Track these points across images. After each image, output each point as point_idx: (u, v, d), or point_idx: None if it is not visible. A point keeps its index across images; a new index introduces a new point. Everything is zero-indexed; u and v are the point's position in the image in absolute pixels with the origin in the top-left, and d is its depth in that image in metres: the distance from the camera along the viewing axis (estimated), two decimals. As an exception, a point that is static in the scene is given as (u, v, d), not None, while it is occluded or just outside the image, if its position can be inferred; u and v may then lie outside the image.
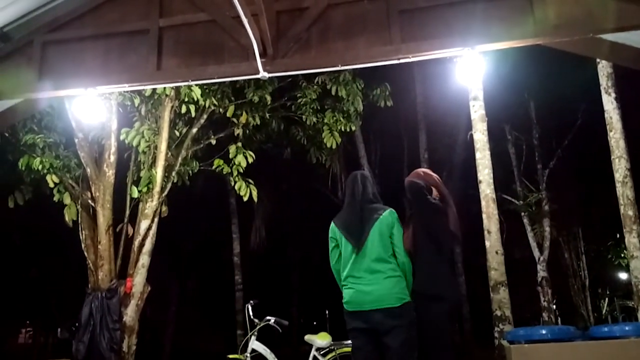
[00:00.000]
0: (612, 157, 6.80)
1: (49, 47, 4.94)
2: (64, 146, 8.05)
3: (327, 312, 20.12)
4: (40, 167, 7.38)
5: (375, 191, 3.53)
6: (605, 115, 6.89)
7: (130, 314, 7.23)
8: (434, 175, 3.73)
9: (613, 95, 6.93)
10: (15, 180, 8.39)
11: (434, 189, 3.63)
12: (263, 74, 4.48)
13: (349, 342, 5.35)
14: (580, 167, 13.56)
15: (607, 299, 18.72)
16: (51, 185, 7.60)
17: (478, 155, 7.81)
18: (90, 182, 7.60)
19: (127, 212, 7.73)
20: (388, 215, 3.33)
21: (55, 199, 7.73)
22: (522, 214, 13.07)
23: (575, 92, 11.68)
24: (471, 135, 8.00)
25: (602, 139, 7.18)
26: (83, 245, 7.51)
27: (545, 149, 13.40)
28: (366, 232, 3.28)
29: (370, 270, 3.23)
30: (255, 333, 5.44)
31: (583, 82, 9.50)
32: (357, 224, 3.33)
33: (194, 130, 8.42)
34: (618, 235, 14.36)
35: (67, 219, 7.68)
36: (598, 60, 6.94)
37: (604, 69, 7.06)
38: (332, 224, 3.54)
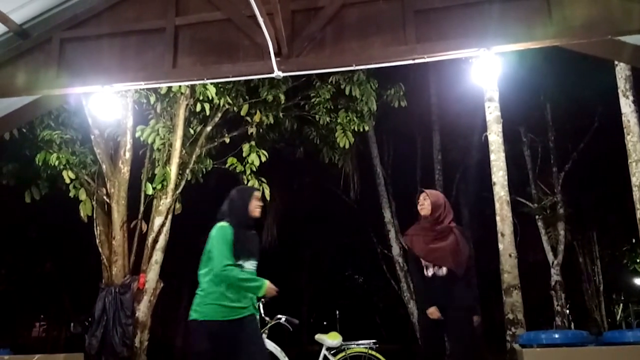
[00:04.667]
0: (629, 161, 6.70)
1: (67, 44, 5.00)
2: (80, 142, 8.16)
3: (337, 311, 20.14)
4: (56, 163, 7.49)
5: (231, 207, 3.55)
6: (623, 118, 6.79)
7: (142, 310, 7.30)
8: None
9: (631, 98, 6.82)
10: (32, 176, 8.52)
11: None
12: (277, 73, 4.48)
13: (360, 342, 5.39)
14: (596, 171, 13.37)
15: (621, 304, 18.49)
16: (67, 181, 7.71)
17: (492, 157, 7.75)
18: (106, 179, 7.69)
19: (142, 208, 7.81)
20: (212, 230, 3.43)
21: (71, 194, 7.84)
22: (537, 217, 12.93)
23: (592, 95, 11.52)
24: (486, 137, 7.95)
25: (619, 143, 7.07)
26: (97, 241, 7.61)
27: (560, 151, 13.23)
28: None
29: None
30: (266, 331, 5.45)
31: (600, 85, 9.37)
32: None
33: (208, 128, 8.48)
34: (634, 241, 14.19)
35: (82, 214, 7.78)
36: (616, 62, 6.84)
37: (622, 71, 6.95)
38: None
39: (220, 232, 3.37)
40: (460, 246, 3.99)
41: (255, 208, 3.60)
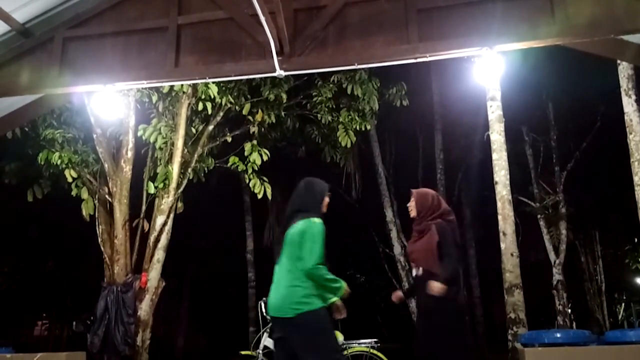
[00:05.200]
0: (632, 160, 6.69)
1: (70, 43, 5.01)
2: (83, 141, 8.16)
3: (339, 311, 20.12)
4: (59, 162, 7.49)
5: (313, 200, 3.49)
6: (625, 117, 6.77)
7: (144, 309, 7.31)
8: (443, 201, 4.12)
9: (633, 97, 6.80)
10: (34, 175, 8.53)
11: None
12: (279, 72, 4.49)
13: (362, 341, 5.39)
14: (598, 170, 13.36)
15: (623, 303, 18.47)
16: (69, 179, 7.71)
17: (495, 156, 7.74)
18: (108, 178, 7.69)
19: (144, 207, 7.82)
20: (303, 223, 3.31)
21: (73, 193, 7.84)
22: (539, 216, 12.92)
23: (594, 94, 11.51)
24: (488, 136, 7.94)
25: (621, 142, 7.06)
26: (99, 240, 7.62)
27: (563, 151, 13.22)
28: (282, 243, 3.37)
29: (279, 278, 3.33)
30: (268, 330, 5.47)
31: (603, 84, 9.37)
32: (283, 234, 3.41)
33: (210, 127, 8.48)
34: (636, 240, 14.16)
35: (84, 213, 7.79)
36: (618, 61, 6.83)
37: (624, 70, 6.94)
38: None
39: (318, 229, 3.29)
40: (432, 243, 3.85)
41: (326, 204, 3.58)
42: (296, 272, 3.24)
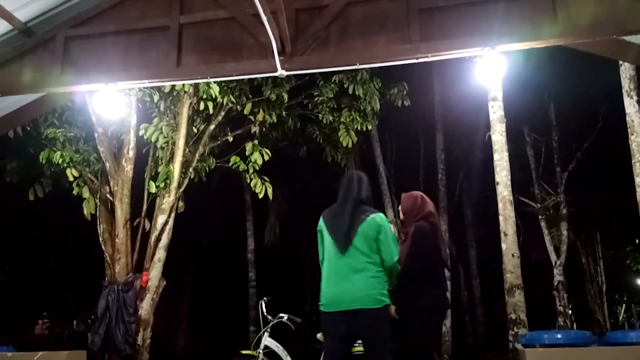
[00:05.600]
0: (633, 161, 6.68)
1: (72, 42, 5.01)
2: (84, 140, 8.17)
3: (339, 310, 20.10)
4: (60, 161, 7.51)
5: (369, 194, 3.54)
6: (627, 118, 6.77)
7: (145, 308, 7.32)
8: (430, 202, 4.12)
9: (635, 98, 6.80)
10: (36, 173, 8.54)
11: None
12: (281, 72, 4.49)
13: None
14: (600, 171, 13.36)
15: (624, 305, 18.47)
16: (71, 178, 7.73)
17: (496, 156, 7.74)
18: (109, 177, 7.70)
19: (145, 206, 7.83)
20: (376, 218, 3.32)
21: (75, 192, 7.86)
22: (540, 216, 12.92)
23: (596, 94, 11.51)
24: (489, 136, 7.94)
25: (623, 143, 7.06)
26: (101, 239, 7.63)
27: (564, 151, 13.22)
28: (353, 232, 3.29)
29: (352, 269, 3.24)
30: (268, 330, 5.47)
31: (604, 84, 9.36)
32: (346, 224, 3.33)
33: (212, 127, 8.49)
34: (637, 241, 14.16)
35: (85, 212, 7.80)
36: (620, 62, 6.83)
37: (626, 71, 6.93)
38: (321, 219, 3.56)
39: (389, 224, 3.37)
40: (406, 246, 3.91)
41: None
42: (377, 265, 3.25)
